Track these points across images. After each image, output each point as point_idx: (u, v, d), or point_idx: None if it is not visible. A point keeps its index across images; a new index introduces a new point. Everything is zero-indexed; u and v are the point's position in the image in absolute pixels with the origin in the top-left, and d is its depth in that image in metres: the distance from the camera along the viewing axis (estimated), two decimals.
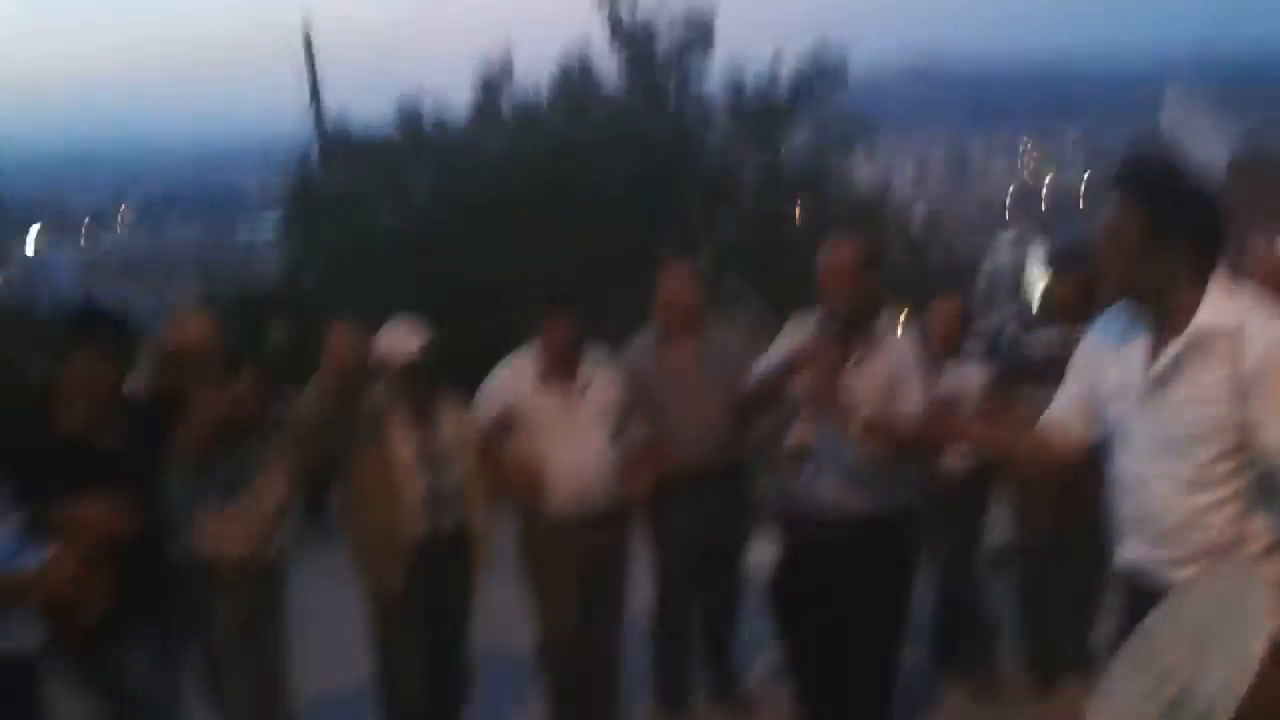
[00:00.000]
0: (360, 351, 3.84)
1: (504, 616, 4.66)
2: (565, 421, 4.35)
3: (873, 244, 3.91)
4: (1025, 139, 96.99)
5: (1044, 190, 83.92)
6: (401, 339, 4.10)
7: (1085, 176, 75.21)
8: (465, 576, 4.33)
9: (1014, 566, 5.15)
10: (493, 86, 14.12)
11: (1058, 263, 5.00)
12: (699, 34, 13.08)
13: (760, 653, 5.16)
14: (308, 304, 13.42)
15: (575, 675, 4.55)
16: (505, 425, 4.37)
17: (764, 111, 12.84)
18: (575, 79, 13.50)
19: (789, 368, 3.78)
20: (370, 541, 4.15)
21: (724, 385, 4.51)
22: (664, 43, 13.10)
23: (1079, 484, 4.61)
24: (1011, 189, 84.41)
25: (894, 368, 3.79)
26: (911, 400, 3.77)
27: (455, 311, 11.26)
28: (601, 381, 4.47)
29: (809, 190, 12.70)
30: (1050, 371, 4.61)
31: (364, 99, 17.16)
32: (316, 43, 19.78)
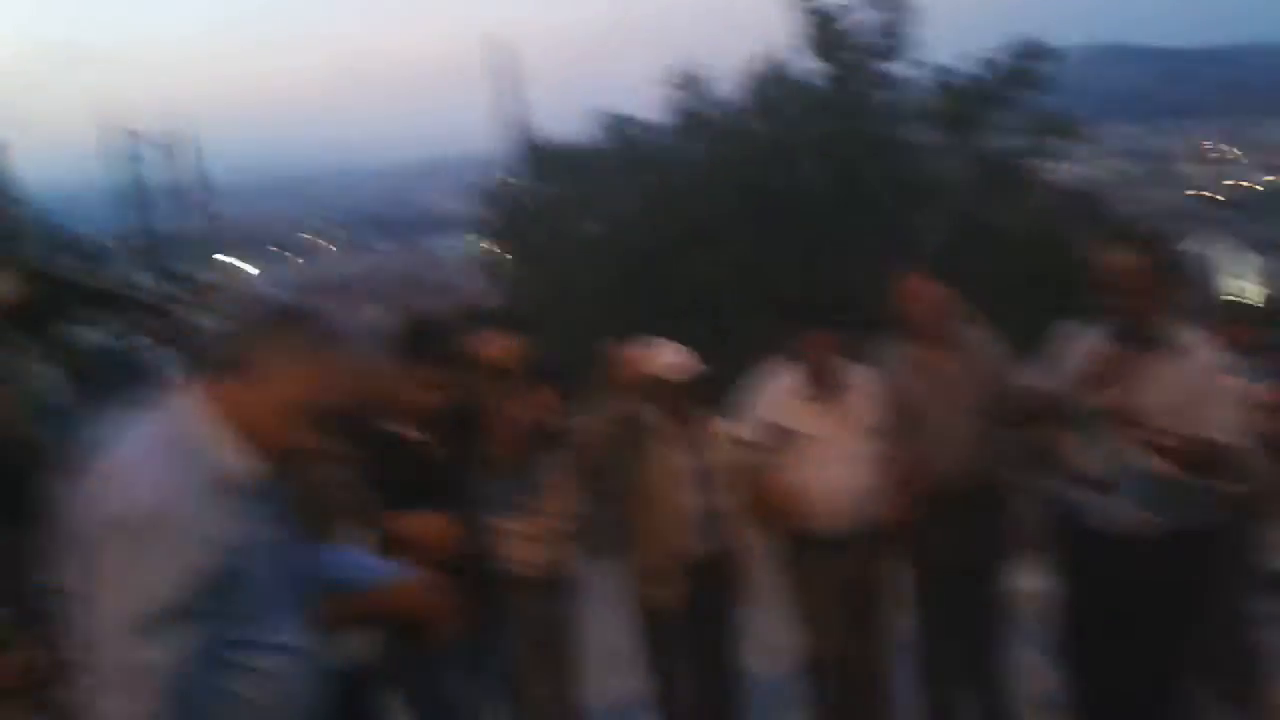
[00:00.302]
0: (640, 369, 3.95)
1: (767, 634, 4.71)
2: (830, 437, 4.34)
3: (1162, 248, 3.67)
4: (1213, 139, 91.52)
5: (1232, 191, 79.00)
6: (672, 359, 4.20)
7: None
8: (733, 594, 4.40)
9: None
10: (691, 91, 14.22)
11: None
12: (898, 30, 12.78)
13: (1028, 679, 4.98)
14: (522, 315, 13.75)
15: (844, 694, 4.54)
16: (770, 445, 4.39)
17: (967, 107, 12.44)
18: (773, 79, 13.44)
19: (1081, 381, 3.64)
20: (646, 558, 4.26)
21: (983, 396, 4.39)
22: (863, 37, 12.84)
23: None
24: (1201, 189, 79.75)
25: (1191, 380, 3.56)
26: (1214, 415, 3.53)
27: (663, 316, 11.44)
28: (863, 395, 4.42)
29: (1013, 188, 12.26)
30: None
31: (560, 114, 17.57)
32: (510, 61, 20.19)
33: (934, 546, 4.45)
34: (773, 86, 13.36)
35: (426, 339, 3.39)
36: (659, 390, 4.12)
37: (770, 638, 4.67)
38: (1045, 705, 4.70)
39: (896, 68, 12.99)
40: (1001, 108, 12.39)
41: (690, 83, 14.18)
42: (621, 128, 14.58)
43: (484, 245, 22.18)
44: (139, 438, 2.01)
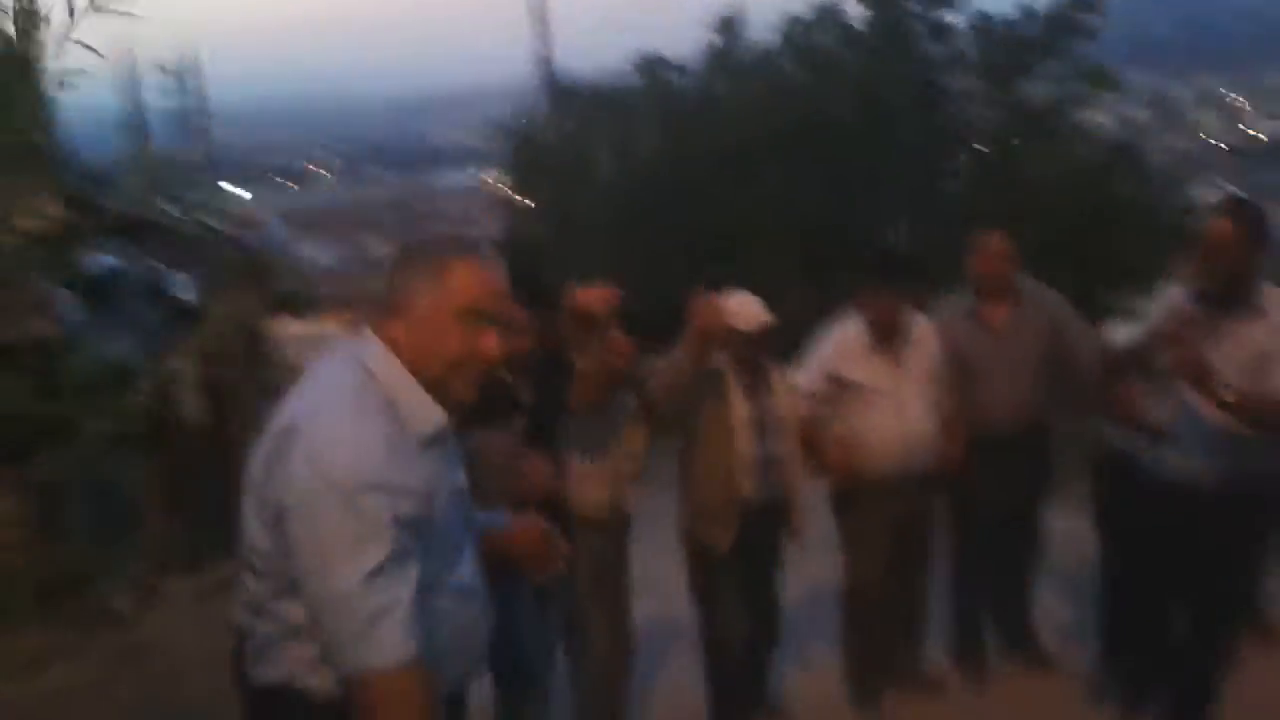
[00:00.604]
0: (721, 319, 3.98)
1: (810, 569, 4.89)
2: (889, 388, 4.48)
3: (1257, 217, 3.71)
4: (1234, 90, 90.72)
5: (1241, 139, 78.24)
6: (745, 309, 4.23)
7: None
8: (780, 535, 4.52)
9: None
10: (729, 31, 13.95)
11: None
12: None
13: (1051, 612, 5.29)
14: (531, 249, 13.74)
15: (880, 625, 4.74)
16: (830, 395, 4.52)
17: (1013, 56, 12.25)
18: (814, 22, 13.22)
19: (1158, 337, 3.74)
20: (703, 499, 4.34)
21: (1038, 348, 4.64)
22: None
23: None
24: (1211, 137, 79.01)
25: (1270, 344, 3.65)
26: None
27: (689, 259, 11.42)
28: (923, 347, 4.56)
29: (1056, 138, 12.12)
30: None
31: (593, 53, 17.29)
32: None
33: (979, 487, 4.67)
34: (813, 29, 13.16)
35: (528, 277, 3.36)
36: (731, 340, 4.15)
37: (812, 572, 4.85)
38: (1065, 636, 5.10)
39: (944, 15, 12.69)
40: (1047, 57, 12.21)
41: (726, 24, 13.93)
42: (651, 68, 14.33)
43: (494, 180, 22.03)
44: (330, 391, 1.98)
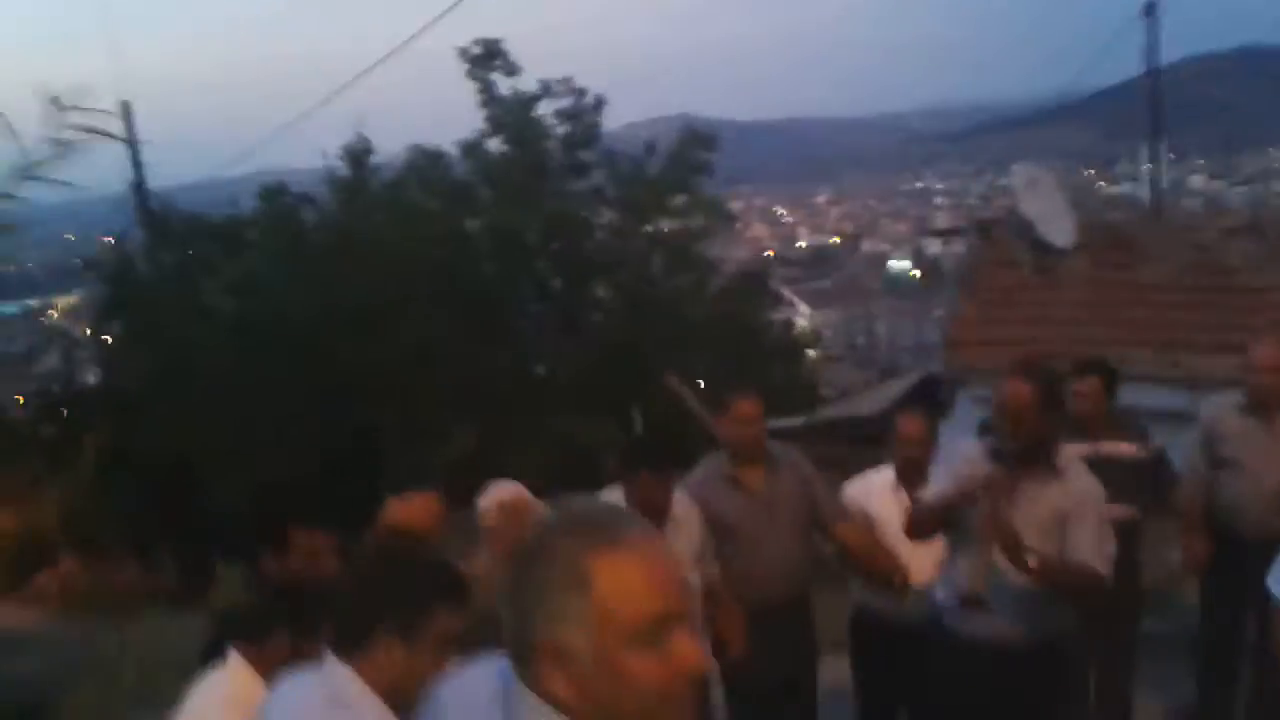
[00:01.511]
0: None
1: None
2: None
3: (1053, 381, 3.82)
4: (779, 204, 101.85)
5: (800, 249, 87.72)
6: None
7: (836, 238, 79.73)
8: None
9: None
10: (359, 164, 13.29)
11: (1080, 368, 5.00)
12: (583, 118, 12.79)
13: None
14: (133, 401, 12.48)
15: None
16: None
17: (647, 194, 12.70)
18: (451, 155, 13.02)
19: (960, 498, 3.75)
20: None
21: (798, 509, 4.59)
22: (549, 125, 12.74)
23: None
24: (770, 251, 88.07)
25: (1067, 505, 3.72)
26: (1082, 542, 3.69)
27: (320, 407, 10.71)
28: (685, 525, 4.32)
29: (690, 268, 12.67)
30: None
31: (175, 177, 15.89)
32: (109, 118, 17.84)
33: (753, 658, 4.46)
34: (441, 161, 12.90)
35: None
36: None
37: None
38: None
39: (580, 154, 12.96)
40: (673, 193, 12.78)
41: (354, 153, 13.28)
42: (274, 198, 13.32)
43: (62, 313, 19.93)
44: None
